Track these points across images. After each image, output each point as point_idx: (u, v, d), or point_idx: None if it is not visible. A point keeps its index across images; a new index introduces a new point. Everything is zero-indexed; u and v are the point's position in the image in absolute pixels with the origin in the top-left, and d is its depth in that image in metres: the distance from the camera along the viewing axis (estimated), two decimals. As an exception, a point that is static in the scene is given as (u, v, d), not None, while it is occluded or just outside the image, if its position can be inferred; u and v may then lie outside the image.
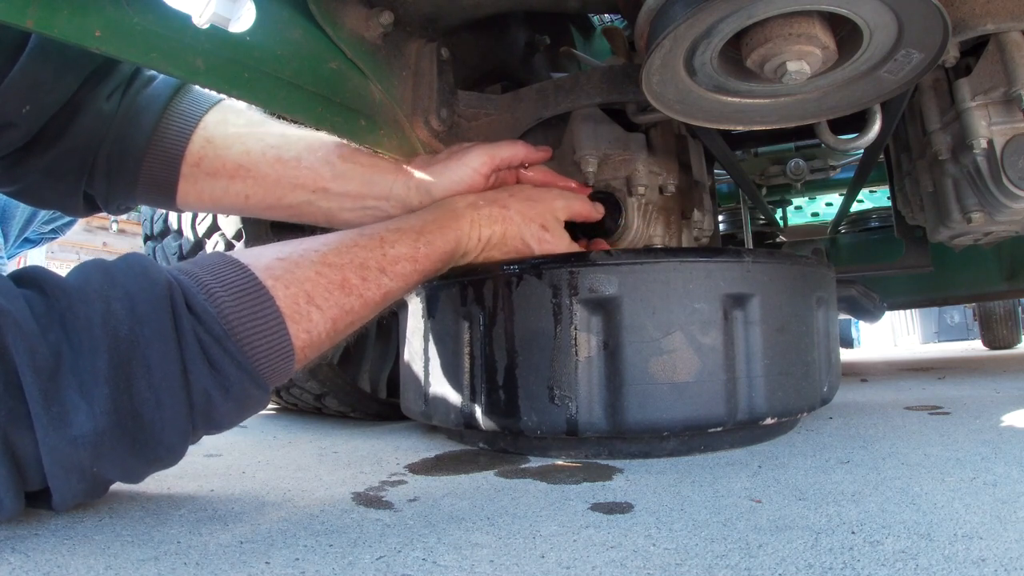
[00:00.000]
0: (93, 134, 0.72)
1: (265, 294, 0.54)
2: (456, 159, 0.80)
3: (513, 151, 0.82)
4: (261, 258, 0.57)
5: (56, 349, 0.45)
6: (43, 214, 1.53)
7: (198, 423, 0.51)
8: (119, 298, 0.48)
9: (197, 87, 0.78)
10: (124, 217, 6.09)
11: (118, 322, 0.47)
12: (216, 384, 0.50)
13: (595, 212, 0.88)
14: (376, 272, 0.64)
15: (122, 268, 0.50)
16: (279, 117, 0.86)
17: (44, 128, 0.69)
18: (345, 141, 0.80)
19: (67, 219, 1.64)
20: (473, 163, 0.79)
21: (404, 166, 0.81)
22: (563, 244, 0.82)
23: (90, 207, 0.79)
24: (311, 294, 0.57)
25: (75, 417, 0.44)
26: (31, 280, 0.48)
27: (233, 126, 0.78)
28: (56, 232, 1.64)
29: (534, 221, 0.79)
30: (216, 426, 0.53)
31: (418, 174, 0.79)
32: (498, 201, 0.79)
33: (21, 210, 1.47)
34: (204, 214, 1.08)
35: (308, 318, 0.57)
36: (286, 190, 0.77)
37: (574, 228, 0.87)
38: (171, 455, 0.51)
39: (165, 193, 0.77)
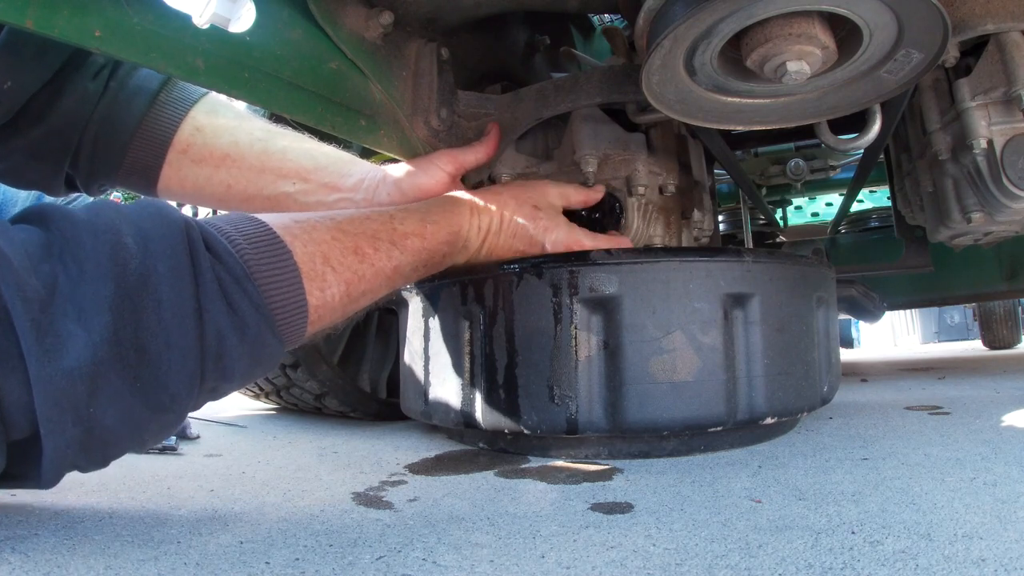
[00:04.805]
0: (78, 114, 0.72)
1: (284, 247, 0.54)
2: (424, 159, 0.85)
3: (476, 154, 0.87)
4: (279, 219, 0.57)
5: (51, 280, 0.42)
6: None
7: (208, 369, 0.47)
8: (131, 233, 0.46)
9: None
10: (124, 217, 6.10)
11: (129, 255, 0.45)
12: (232, 325, 0.48)
13: (593, 195, 0.89)
14: (387, 244, 0.65)
15: (136, 208, 0.49)
16: (276, 117, 0.86)
17: (27, 107, 0.69)
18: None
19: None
20: (439, 162, 0.84)
21: (377, 163, 0.85)
22: (560, 223, 0.83)
23: (70, 188, 0.79)
24: (327, 255, 0.58)
25: (71, 346, 0.41)
26: (36, 215, 0.46)
27: (223, 117, 0.79)
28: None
29: (527, 203, 0.82)
30: (227, 376, 0.49)
31: (389, 169, 0.83)
32: (493, 191, 0.84)
33: (19, 208, 1.47)
34: (204, 212, 1.08)
35: (323, 278, 0.57)
36: (268, 180, 0.79)
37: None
38: (176, 405, 0.47)
39: (147, 178, 0.78)
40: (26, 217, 0.47)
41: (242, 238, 0.52)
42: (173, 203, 1.14)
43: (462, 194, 0.81)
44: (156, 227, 0.47)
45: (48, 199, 1.45)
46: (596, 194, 0.89)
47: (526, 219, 0.81)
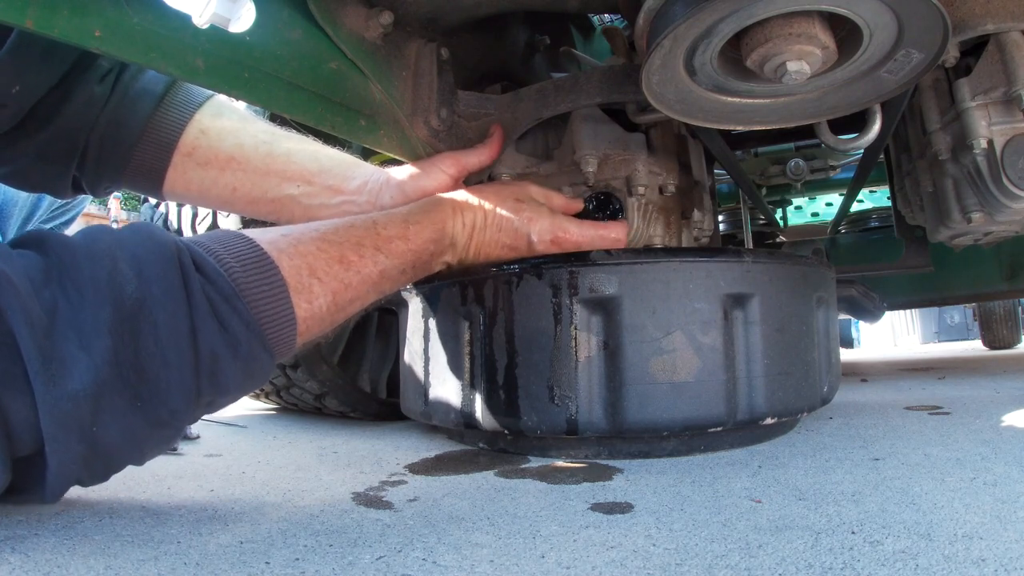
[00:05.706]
0: (84, 117, 0.73)
1: (270, 263, 0.56)
2: (426, 162, 0.85)
3: (479, 156, 0.87)
4: (265, 234, 0.59)
5: (51, 305, 0.44)
6: (40, 213, 1.53)
7: (204, 386, 0.50)
8: (126, 259, 0.48)
9: None
10: (124, 217, 6.12)
11: (124, 280, 0.47)
12: (225, 343, 0.50)
13: (573, 205, 0.89)
14: (372, 250, 0.66)
15: (128, 233, 0.51)
16: (277, 118, 0.86)
17: (34, 109, 0.69)
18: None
19: (65, 218, 1.64)
20: (441, 164, 0.84)
21: (379, 166, 0.85)
22: (543, 213, 0.83)
23: (76, 190, 0.80)
24: (313, 267, 0.60)
25: (74, 370, 0.44)
26: (34, 241, 0.48)
27: (228, 120, 0.80)
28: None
29: (508, 197, 0.83)
30: (222, 391, 0.52)
31: (392, 171, 0.83)
32: (474, 188, 0.85)
33: (19, 209, 1.46)
34: (204, 214, 1.08)
35: (310, 290, 0.58)
36: (273, 183, 0.80)
37: None
38: (175, 420, 0.49)
39: (153, 180, 0.78)
40: (24, 242, 0.49)
41: (230, 257, 0.54)
42: (173, 205, 1.14)
43: (445, 194, 0.82)
44: (149, 252, 0.49)
45: (49, 200, 1.45)
46: (576, 205, 0.90)
47: (509, 212, 0.81)
